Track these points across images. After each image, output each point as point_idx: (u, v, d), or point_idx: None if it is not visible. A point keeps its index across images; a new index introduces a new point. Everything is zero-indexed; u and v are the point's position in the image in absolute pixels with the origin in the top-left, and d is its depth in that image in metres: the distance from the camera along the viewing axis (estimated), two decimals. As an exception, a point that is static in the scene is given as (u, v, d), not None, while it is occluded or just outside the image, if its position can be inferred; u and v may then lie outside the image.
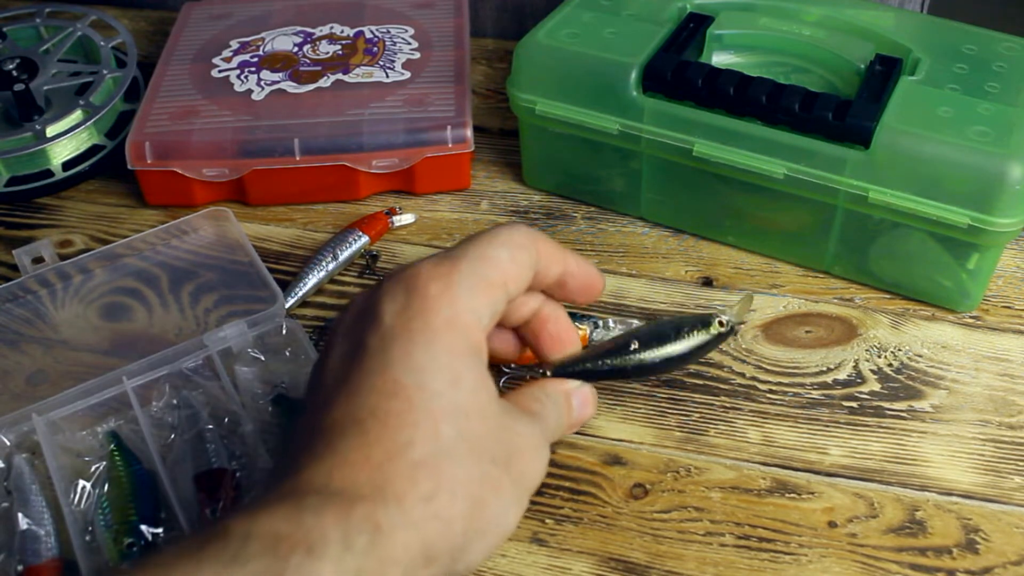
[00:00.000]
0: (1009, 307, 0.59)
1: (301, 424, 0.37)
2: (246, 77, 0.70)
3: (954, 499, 0.49)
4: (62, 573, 0.46)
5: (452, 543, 0.33)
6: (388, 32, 0.74)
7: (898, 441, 0.52)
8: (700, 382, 0.55)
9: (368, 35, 0.74)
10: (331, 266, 0.61)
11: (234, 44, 0.74)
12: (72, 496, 0.48)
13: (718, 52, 0.63)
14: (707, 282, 0.61)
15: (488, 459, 0.35)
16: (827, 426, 0.52)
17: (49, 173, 0.69)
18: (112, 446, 0.50)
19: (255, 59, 0.72)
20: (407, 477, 0.33)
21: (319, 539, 0.31)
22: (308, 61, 0.71)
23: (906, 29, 0.61)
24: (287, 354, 0.55)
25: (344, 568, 0.31)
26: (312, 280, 0.60)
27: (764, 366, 0.56)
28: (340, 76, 0.70)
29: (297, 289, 0.60)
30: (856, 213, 0.56)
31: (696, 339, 0.44)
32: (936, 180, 0.52)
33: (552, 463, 0.50)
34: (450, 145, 0.65)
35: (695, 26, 0.62)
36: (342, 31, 0.75)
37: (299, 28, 0.75)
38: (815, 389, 0.54)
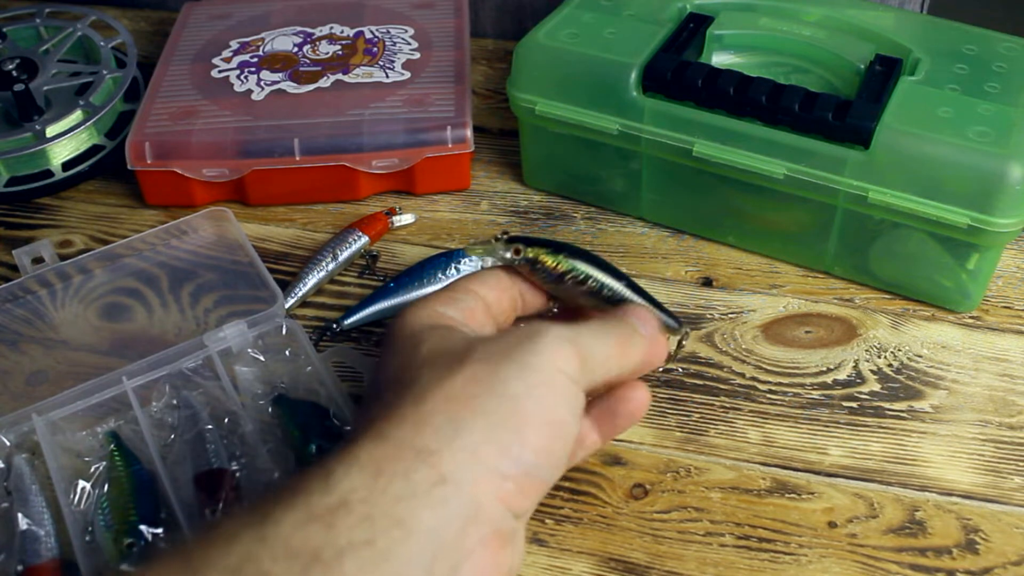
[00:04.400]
0: (1009, 307, 0.59)
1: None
2: (246, 77, 0.70)
3: (954, 499, 0.49)
4: (62, 573, 0.46)
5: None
6: (388, 32, 0.74)
7: (898, 441, 0.52)
8: (700, 382, 0.55)
9: (368, 35, 0.74)
10: (331, 266, 0.61)
11: (234, 44, 0.74)
12: (72, 496, 0.48)
13: (718, 52, 0.63)
14: (707, 282, 0.61)
15: None
16: (827, 426, 0.52)
17: (49, 173, 0.69)
18: (112, 446, 0.50)
19: (255, 59, 0.72)
20: None
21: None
22: (308, 61, 0.71)
23: (906, 29, 0.61)
24: (287, 354, 0.55)
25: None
26: (312, 280, 0.60)
27: (764, 366, 0.56)
28: (340, 76, 0.70)
29: (297, 289, 0.60)
30: (856, 213, 0.56)
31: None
32: (936, 180, 0.52)
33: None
34: (450, 145, 0.65)
35: (695, 26, 0.62)
36: (342, 31, 0.75)
37: (299, 28, 0.75)
38: (815, 389, 0.54)
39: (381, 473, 0.33)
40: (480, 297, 0.42)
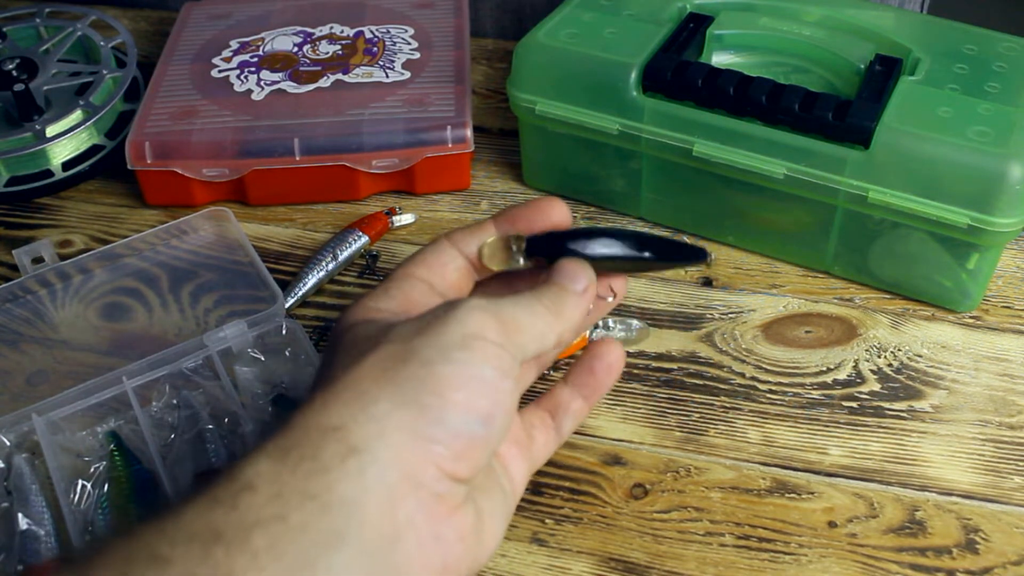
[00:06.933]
0: (1009, 307, 0.59)
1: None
2: (246, 77, 0.70)
3: (954, 499, 0.49)
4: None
5: None
6: (388, 32, 0.74)
7: (898, 441, 0.52)
8: (700, 382, 0.55)
9: (368, 35, 0.74)
10: (331, 266, 0.61)
11: (234, 44, 0.74)
12: (72, 496, 0.48)
13: (718, 52, 0.63)
14: (707, 282, 0.61)
15: None
16: (827, 426, 0.52)
17: (49, 173, 0.69)
18: (112, 446, 0.50)
19: (255, 59, 0.72)
20: None
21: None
22: (308, 61, 0.71)
23: (906, 29, 0.61)
24: (287, 354, 0.55)
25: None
26: (312, 280, 0.60)
27: (764, 366, 0.56)
28: (340, 76, 0.70)
29: (297, 289, 0.60)
30: (856, 213, 0.56)
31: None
32: (936, 180, 0.52)
33: (552, 463, 0.50)
34: (450, 145, 0.65)
35: (695, 26, 0.62)
36: (342, 31, 0.75)
37: (299, 28, 0.75)
38: (815, 389, 0.54)
39: (287, 456, 0.32)
40: (419, 279, 0.40)
